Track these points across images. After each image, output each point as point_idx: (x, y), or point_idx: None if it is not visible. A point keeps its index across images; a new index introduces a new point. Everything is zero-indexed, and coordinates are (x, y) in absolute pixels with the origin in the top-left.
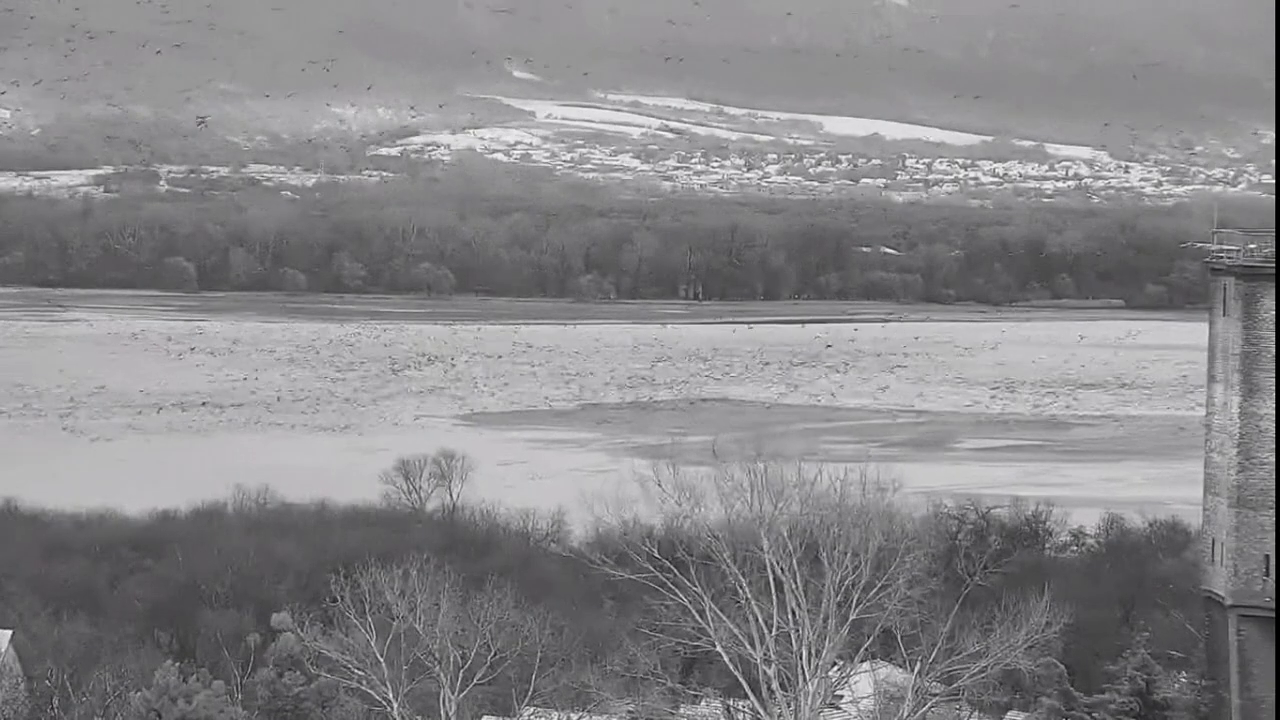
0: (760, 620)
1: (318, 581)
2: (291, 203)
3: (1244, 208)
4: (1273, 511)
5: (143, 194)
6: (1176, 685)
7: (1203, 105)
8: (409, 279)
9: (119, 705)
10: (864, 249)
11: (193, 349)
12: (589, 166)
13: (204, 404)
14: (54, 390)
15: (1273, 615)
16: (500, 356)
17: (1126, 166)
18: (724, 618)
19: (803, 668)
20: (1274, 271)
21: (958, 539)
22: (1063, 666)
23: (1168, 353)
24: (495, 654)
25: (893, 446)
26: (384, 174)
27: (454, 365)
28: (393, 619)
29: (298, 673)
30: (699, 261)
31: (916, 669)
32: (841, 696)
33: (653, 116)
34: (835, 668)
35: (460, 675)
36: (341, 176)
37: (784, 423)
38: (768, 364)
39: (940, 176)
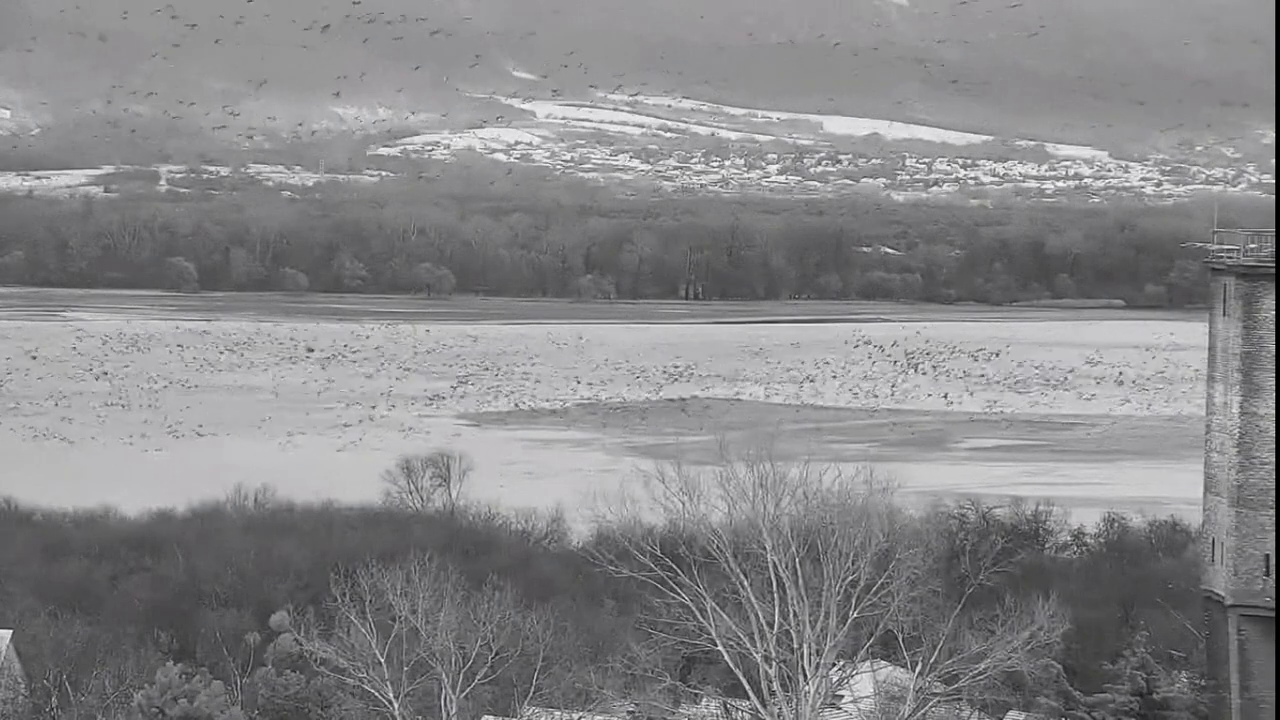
0: (761, 619)
1: (318, 581)
2: (291, 203)
3: (1244, 208)
4: (1273, 511)
5: (143, 194)
6: (1176, 685)
7: (1203, 105)
8: (409, 279)
9: (119, 705)
10: (864, 249)
11: (193, 349)
12: (589, 166)
13: (199, 397)
14: (54, 390)
15: (1273, 615)
16: (500, 356)
17: (1126, 166)
18: (725, 616)
19: (804, 667)
20: (1274, 271)
21: (958, 539)
22: (1059, 667)
23: (1167, 352)
24: (496, 653)
25: (893, 446)
26: (384, 174)
27: (454, 365)
28: (394, 619)
29: (297, 672)
30: (699, 261)
31: (918, 669)
32: (842, 696)
33: (653, 116)
34: (836, 667)
35: (461, 675)
36: (341, 176)
37: (784, 422)
38: (767, 364)
39: (940, 176)
